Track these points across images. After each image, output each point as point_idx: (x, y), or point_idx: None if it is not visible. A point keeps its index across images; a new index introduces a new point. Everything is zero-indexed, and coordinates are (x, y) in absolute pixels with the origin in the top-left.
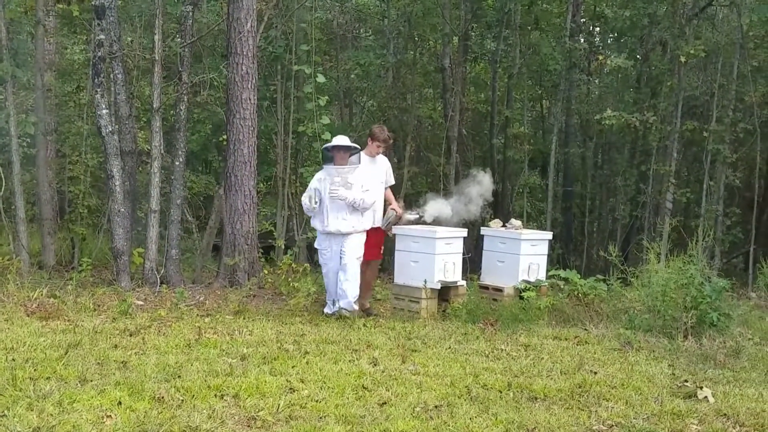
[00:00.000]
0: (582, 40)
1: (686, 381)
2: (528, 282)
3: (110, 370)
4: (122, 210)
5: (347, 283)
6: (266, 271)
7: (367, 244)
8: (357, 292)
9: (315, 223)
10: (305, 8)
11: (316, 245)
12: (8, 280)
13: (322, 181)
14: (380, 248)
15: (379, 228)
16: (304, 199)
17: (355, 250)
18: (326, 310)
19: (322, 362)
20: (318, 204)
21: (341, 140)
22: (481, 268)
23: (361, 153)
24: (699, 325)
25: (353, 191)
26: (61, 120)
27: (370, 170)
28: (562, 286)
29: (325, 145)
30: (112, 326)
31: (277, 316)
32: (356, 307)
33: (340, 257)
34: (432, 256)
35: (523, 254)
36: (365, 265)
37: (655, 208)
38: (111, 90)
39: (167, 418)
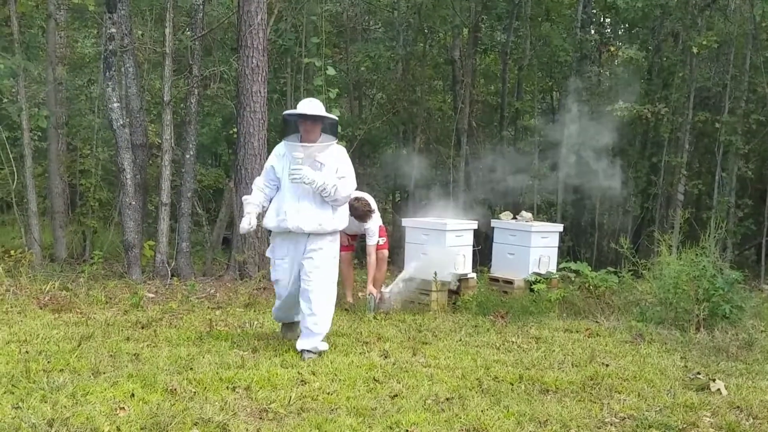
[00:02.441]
0: (593, 31)
1: (699, 373)
2: (539, 274)
3: (123, 363)
4: (133, 203)
5: (313, 319)
6: None
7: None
8: (329, 325)
9: (267, 219)
10: (315, 1)
11: (268, 253)
12: (21, 273)
13: (281, 158)
14: (384, 237)
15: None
16: (246, 202)
17: (325, 263)
18: (281, 332)
19: (333, 355)
20: (259, 211)
21: (310, 106)
22: (491, 261)
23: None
24: (711, 318)
25: (323, 173)
26: (73, 113)
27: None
28: (572, 279)
29: (287, 112)
30: (124, 319)
31: None
32: (326, 347)
33: (301, 276)
34: (443, 248)
35: (534, 246)
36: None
37: (667, 199)
38: (122, 83)
39: (180, 410)
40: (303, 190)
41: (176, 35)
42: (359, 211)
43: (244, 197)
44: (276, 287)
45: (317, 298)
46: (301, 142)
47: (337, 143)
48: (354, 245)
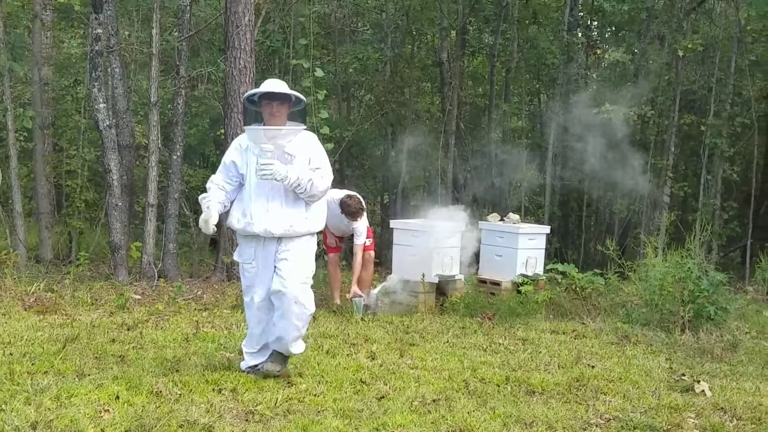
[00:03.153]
0: (580, 34)
1: (683, 375)
2: (526, 276)
3: (108, 365)
4: (119, 204)
5: (289, 327)
6: None
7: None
8: (304, 331)
9: (231, 219)
10: (303, 2)
11: (235, 257)
12: (5, 274)
13: (244, 151)
14: (371, 238)
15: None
16: (204, 199)
17: (299, 269)
18: (243, 364)
19: (320, 356)
20: (219, 210)
21: (276, 85)
22: (479, 262)
23: (335, 196)
24: (696, 319)
25: (295, 167)
26: (59, 114)
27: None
28: (559, 280)
29: (249, 93)
30: (110, 320)
31: None
32: (301, 349)
33: (275, 288)
34: (430, 250)
35: (521, 248)
36: (363, 262)
37: (653, 202)
38: (108, 84)
39: (165, 413)
40: (272, 188)
41: (163, 36)
42: (352, 208)
43: (201, 196)
44: (245, 296)
45: (290, 309)
46: (264, 125)
47: (306, 129)
48: (341, 246)
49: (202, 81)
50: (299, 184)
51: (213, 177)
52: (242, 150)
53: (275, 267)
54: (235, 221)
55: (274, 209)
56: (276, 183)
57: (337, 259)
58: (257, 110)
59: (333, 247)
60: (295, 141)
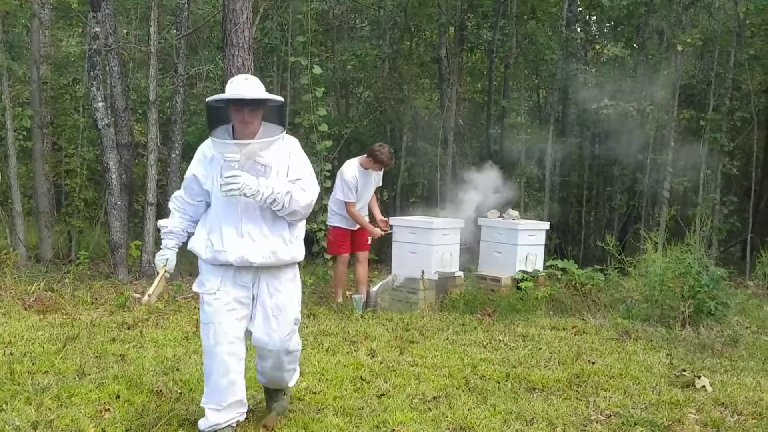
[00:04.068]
0: (579, 29)
1: (684, 370)
2: (525, 272)
3: (108, 364)
4: (119, 203)
5: (282, 377)
6: None
7: (357, 236)
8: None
9: (195, 245)
10: None
11: (195, 287)
12: (5, 273)
13: (209, 162)
14: (367, 238)
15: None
16: (163, 230)
17: (288, 312)
18: (203, 423)
19: (320, 354)
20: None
21: (247, 86)
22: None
23: (356, 162)
24: (697, 314)
25: (271, 180)
26: (57, 113)
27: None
28: (559, 276)
29: (212, 98)
30: (110, 319)
31: None
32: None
33: (260, 339)
34: (429, 247)
35: (521, 244)
36: (355, 261)
37: (653, 197)
38: (107, 82)
39: (166, 411)
40: (245, 206)
41: (161, 34)
42: (383, 154)
43: (160, 222)
44: (205, 338)
45: (281, 350)
46: (234, 138)
47: (287, 133)
48: (370, 245)
49: (200, 79)
50: (275, 199)
51: (175, 195)
52: (206, 161)
53: (255, 308)
54: (201, 248)
55: (251, 232)
56: (248, 199)
57: (347, 260)
58: (222, 107)
59: (345, 250)
60: (273, 148)
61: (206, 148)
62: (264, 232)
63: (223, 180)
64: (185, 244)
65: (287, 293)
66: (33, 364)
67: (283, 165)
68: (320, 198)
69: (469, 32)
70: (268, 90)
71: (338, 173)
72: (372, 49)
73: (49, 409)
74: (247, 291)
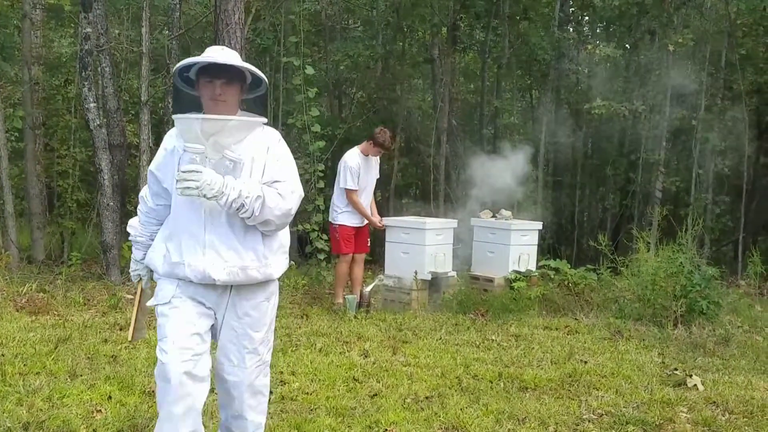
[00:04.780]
0: (571, 29)
1: (676, 369)
2: (518, 272)
3: (100, 365)
4: (111, 204)
5: (246, 427)
6: None
7: (359, 236)
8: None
9: (152, 254)
10: None
11: (151, 302)
12: None
13: (170, 154)
14: (367, 240)
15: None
16: (132, 237)
17: (257, 343)
18: None
19: (312, 354)
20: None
21: (221, 53)
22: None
23: (357, 149)
24: (688, 314)
25: (240, 180)
26: (49, 114)
27: (360, 166)
28: (552, 276)
29: (181, 64)
30: (102, 320)
31: None
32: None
33: (221, 375)
34: (422, 247)
35: (513, 244)
36: (351, 261)
37: (645, 197)
38: (99, 83)
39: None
40: (211, 210)
41: (153, 34)
42: (384, 137)
43: (129, 224)
44: (161, 354)
45: (246, 388)
46: (199, 114)
47: (268, 125)
48: (369, 247)
49: None
50: (242, 204)
51: (143, 192)
52: (168, 153)
53: (219, 337)
54: (158, 261)
55: (216, 243)
56: (206, 201)
57: (350, 260)
58: (194, 93)
59: (349, 249)
60: (247, 141)
61: (169, 137)
62: (232, 244)
63: (179, 174)
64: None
65: (258, 316)
66: (24, 365)
67: (258, 162)
68: (313, 199)
69: (462, 33)
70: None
71: (340, 162)
72: (365, 49)
73: (41, 410)
74: (211, 308)
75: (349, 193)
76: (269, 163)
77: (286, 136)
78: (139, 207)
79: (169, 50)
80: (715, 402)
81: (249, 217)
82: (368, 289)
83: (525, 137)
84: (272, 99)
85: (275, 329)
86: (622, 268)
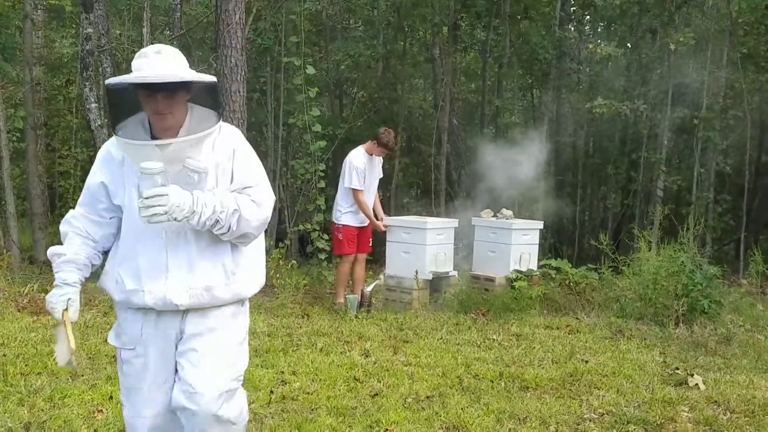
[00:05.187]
0: (572, 28)
1: (677, 368)
2: (519, 272)
3: (101, 365)
4: None
5: None
6: None
7: (362, 236)
8: None
9: (105, 278)
10: None
11: (111, 338)
12: None
13: (118, 167)
14: (370, 240)
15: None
16: (57, 264)
17: (220, 366)
18: None
19: (313, 354)
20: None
21: (155, 65)
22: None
23: (361, 149)
24: (690, 313)
25: (209, 193)
26: (51, 114)
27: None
28: (553, 276)
29: (111, 82)
30: (104, 320)
31: (268, 309)
32: None
33: (178, 403)
34: (423, 246)
35: (515, 244)
36: (354, 261)
37: (646, 196)
38: (100, 84)
39: None
40: (172, 231)
41: (154, 35)
42: (387, 138)
43: (51, 250)
44: (126, 408)
45: (206, 416)
46: (153, 134)
47: (222, 120)
48: (371, 246)
49: None
50: (218, 221)
51: (71, 214)
52: (115, 165)
53: (177, 362)
54: (112, 286)
55: (178, 262)
56: (171, 223)
57: (353, 260)
58: (133, 102)
59: (352, 250)
60: (205, 145)
61: (113, 146)
62: (197, 262)
63: (142, 203)
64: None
65: (223, 333)
66: (26, 365)
67: (224, 168)
68: (314, 198)
69: (463, 32)
70: (261, 90)
71: (345, 161)
72: (365, 49)
73: (42, 410)
74: (174, 338)
75: (355, 192)
76: (237, 167)
77: (288, 136)
78: (65, 228)
79: None
80: (716, 401)
81: (225, 233)
82: (369, 288)
83: (526, 136)
84: (273, 99)
85: (249, 348)
86: (623, 267)
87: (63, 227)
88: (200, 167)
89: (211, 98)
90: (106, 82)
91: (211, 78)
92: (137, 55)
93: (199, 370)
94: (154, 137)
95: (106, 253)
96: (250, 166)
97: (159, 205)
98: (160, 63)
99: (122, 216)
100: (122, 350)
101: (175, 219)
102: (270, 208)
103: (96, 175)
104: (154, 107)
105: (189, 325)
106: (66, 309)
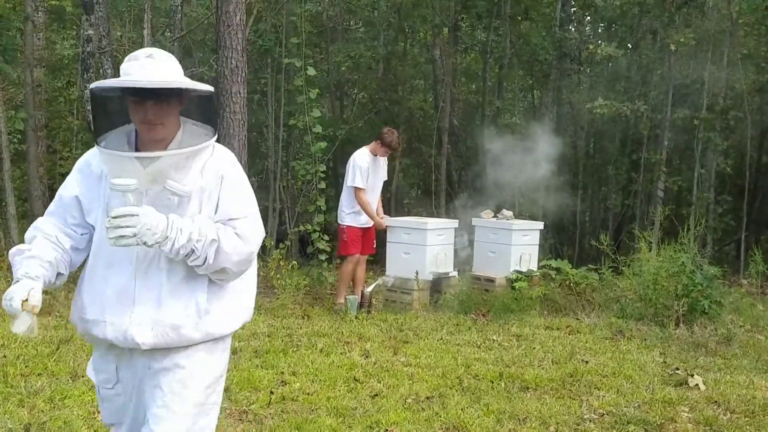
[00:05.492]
0: (572, 29)
1: (677, 369)
2: (520, 272)
3: None
4: None
5: None
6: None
7: (366, 237)
8: None
9: (73, 310)
10: (295, 1)
11: (89, 372)
12: None
13: (97, 181)
14: (373, 241)
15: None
16: (19, 259)
17: (186, 407)
18: None
19: (313, 355)
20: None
21: (146, 69)
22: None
23: (366, 149)
24: (690, 313)
25: (188, 219)
26: (52, 116)
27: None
28: (553, 276)
29: (97, 85)
30: None
31: (269, 310)
32: None
33: (149, 419)
34: (423, 247)
35: (515, 244)
36: (355, 263)
37: (647, 196)
38: None
39: None
40: (143, 258)
41: (155, 36)
42: (392, 138)
43: (13, 250)
44: None
45: None
46: (138, 147)
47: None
48: (375, 248)
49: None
50: (193, 250)
51: (40, 221)
52: (93, 178)
53: (151, 398)
54: (76, 314)
55: (146, 297)
56: (143, 248)
57: (357, 260)
58: (120, 109)
59: (356, 250)
60: (192, 168)
61: (94, 158)
62: (164, 296)
63: (110, 222)
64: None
65: (194, 371)
66: (26, 366)
67: (210, 194)
68: (315, 200)
69: (463, 33)
70: (262, 92)
71: (350, 161)
72: (366, 50)
73: (42, 411)
74: (140, 376)
75: (357, 191)
76: (224, 195)
77: (288, 137)
78: (31, 234)
79: (170, 52)
80: (716, 401)
81: (200, 266)
82: (369, 289)
83: (527, 137)
84: (274, 100)
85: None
86: (623, 268)
87: (30, 233)
88: (183, 190)
89: (206, 111)
90: (91, 86)
91: (208, 87)
92: (127, 58)
93: (162, 412)
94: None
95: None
96: (239, 195)
97: (127, 226)
98: (152, 67)
99: (94, 235)
100: (99, 386)
101: (145, 243)
102: (256, 245)
103: (71, 188)
104: (142, 116)
105: (155, 361)
106: (26, 300)
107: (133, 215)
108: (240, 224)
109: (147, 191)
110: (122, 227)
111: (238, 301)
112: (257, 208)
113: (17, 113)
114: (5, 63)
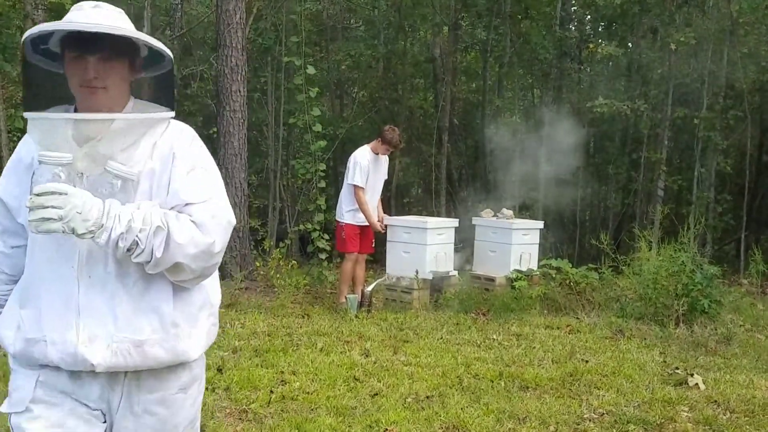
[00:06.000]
0: (573, 28)
1: (677, 368)
2: (520, 271)
3: None
4: None
5: None
6: (258, 264)
7: (364, 236)
8: None
9: (1, 324)
10: None
11: (3, 406)
12: None
13: (25, 171)
14: (372, 241)
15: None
16: None
17: None
18: None
19: (313, 354)
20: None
21: (88, 12)
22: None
23: (367, 147)
24: (690, 313)
25: (132, 205)
26: None
27: (373, 171)
28: (553, 275)
29: (31, 32)
30: None
31: (269, 309)
32: None
33: None
34: (423, 246)
35: (515, 244)
36: (354, 261)
37: (647, 195)
38: None
39: None
40: (89, 253)
41: (155, 34)
42: (394, 135)
43: None
44: None
45: None
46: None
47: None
48: (374, 247)
49: (194, 79)
50: (135, 242)
51: None
52: (23, 169)
53: None
54: (8, 336)
55: (93, 306)
56: (88, 241)
57: (356, 258)
58: (57, 72)
59: (355, 248)
60: (144, 145)
61: (24, 145)
62: (121, 308)
63: (32, 201)
64: None
65: (167, 414)
66: None
67: (161, 177)
68: (315, 198)
69: (463, 32)
70: (262, 90)
71: (351, 158)
72: (366, 49)
73: None
74: (98, 412)
75: (356, 189)
76: (176, 176)
77: (288, 135)
78: None
79: (171, 50)
80: (716, 401)
81: (148, 262)
82: (369, 288)
83: (527, 136)
84: (274, 98)
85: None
86: (623, 267)
87: None
88: (128, 172)
89: (162, 78)
90: (24, 36)
91: (165, 48)
92: (71, 9)
93: None
94: None
95: None
96: (197, 177)
97: (53, 207)
98: (98, 16)
99: (26, 238)
100: (11, 415)
101: (74, 231)
102: (219, 233)
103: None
104: (82, 75)
105: (123, 399)
106: None
107: (61, 193)
108: (197, 210)
109: (84, 175)
110: (46, 207)
111: (207, 316)
112: (223, 193)
113: (17, 112)
114: (5, 61)
